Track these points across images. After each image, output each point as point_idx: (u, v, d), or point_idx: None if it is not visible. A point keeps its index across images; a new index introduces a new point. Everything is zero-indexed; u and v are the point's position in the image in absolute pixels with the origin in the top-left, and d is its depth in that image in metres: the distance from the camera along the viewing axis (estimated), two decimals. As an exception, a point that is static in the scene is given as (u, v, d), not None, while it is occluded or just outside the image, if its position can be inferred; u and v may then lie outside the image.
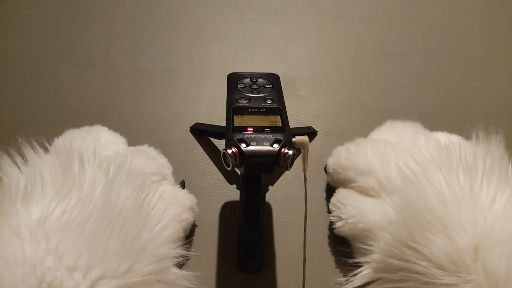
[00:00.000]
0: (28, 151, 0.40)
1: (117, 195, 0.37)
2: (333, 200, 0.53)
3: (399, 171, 0.44)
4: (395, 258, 0.38)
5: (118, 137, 0.58)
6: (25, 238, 0.31)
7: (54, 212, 0.33)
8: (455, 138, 0.54)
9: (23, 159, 0.40)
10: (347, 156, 0.54)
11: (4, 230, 0.32)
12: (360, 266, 0.43)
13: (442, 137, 0.54)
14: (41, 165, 0.39)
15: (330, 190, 0.60)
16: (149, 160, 0.52)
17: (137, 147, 0.56)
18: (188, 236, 0.53)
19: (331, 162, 0.57)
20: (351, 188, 0.52)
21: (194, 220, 0.54)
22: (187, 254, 0.41)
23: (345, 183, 0.53)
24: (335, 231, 0.51)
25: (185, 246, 0.44)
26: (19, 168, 0.39)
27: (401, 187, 0.43)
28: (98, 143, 0.52)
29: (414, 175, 0.42)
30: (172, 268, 0.39)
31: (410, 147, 0.50)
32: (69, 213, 0.34)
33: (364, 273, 0.42)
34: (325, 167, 0.59)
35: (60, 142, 0.51)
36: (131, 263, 0.34)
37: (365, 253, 0.43)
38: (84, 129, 0.56)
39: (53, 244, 0.32)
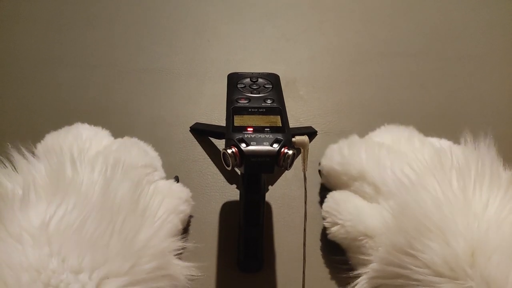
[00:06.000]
0: (19, 157, 0.40)
1: (115, 194, 0.37)
2: (325, 207, 0.52)
3: (394, 177, 0.44)
4: (393, 266, 0.38)
5: (100, 131, 0.57)
6: (27, 243, 0.31)
7: (54, 216, 0.33)
8: (445, 143, 0.54)
9: (14, 166, 0.39)
10: (340, 160, 0.53)
11: (6, 237, 0.32)
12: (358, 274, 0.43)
13: (435, 141, 0.54)
14: (34, 171, 0.38)
15: (325, 190, 0.60)
16: (142, 153, 0.52)
17: (127, 139, 0.56)
18: (188, 236, 0.53)
19: (324, 164, 0.56)
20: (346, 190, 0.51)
21: (191, 218, 0.54)
22: (187, 252, 0.41)
23: (339, 187, 0.53)
24: (329, 236, 0.50)
25: (184, 241, 0.44)
26: (13, 174, 0.39)
27: (397, 193, 0.43)
28: (80, 140, 0.52)
29: (409, 181, 0.42)
30: (174, 261, 0.39)
31: (406, 151, 0.50)
32: (68, 216, 0.34)
33: (363, 283, 0.42)
34: (319, 168, 0.59)
35: (43, 146, 0.51)
36: (134, 260, 0.34)
37: (363, 263, 0.43)
38: (64, 129, 0.56)
39: (55, 247, 0.32)
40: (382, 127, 0.60)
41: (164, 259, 0.38)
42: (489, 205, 0.37)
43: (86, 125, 0.58)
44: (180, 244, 0.41)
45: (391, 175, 0.45)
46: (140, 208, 0.38)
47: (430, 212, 0.37)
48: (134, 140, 0.57)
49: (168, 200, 0.47)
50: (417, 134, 0.56)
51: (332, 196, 0.53)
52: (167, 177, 0.55)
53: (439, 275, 0.34)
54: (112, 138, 0.57)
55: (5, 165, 0.39)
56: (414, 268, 0.36)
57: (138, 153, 0.52)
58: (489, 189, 0.38)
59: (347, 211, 0.48)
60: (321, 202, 0.59)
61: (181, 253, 0.40)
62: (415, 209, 0.38)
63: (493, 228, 0.35)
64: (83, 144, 0.51)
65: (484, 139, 0.43)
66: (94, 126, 0.58)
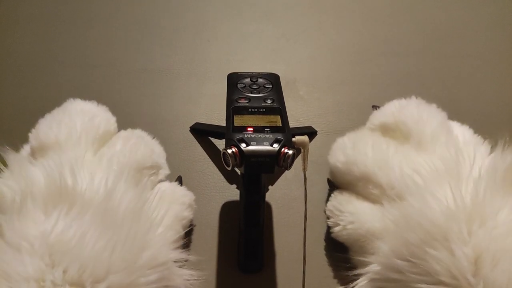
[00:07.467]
0: (16, 161, 0.39)
1: (118, 204, 0.37)
2: (329, 205, 0.52)
3: (402, 181, 0.43)
4: (394, 271, 0.37)
5: (96, 114, 0.52)
6: (26, 253, 0.31)
7: (55, 226, 0.32)
8: (468, 132, 0.51)
9: (12, 170, 0.38)
10: (343, 159, 0.51)
11: (4, 246, 0.31)
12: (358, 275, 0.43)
13: (458, 130, 0.51)
14: (32, 178, 0.37)
15: (331, 187, 0.60)
16: (148, 153, 0.50)
17: (131, 133, 0.53)
18: (188, 236, 0.53)
19: (330, 161, 0.55)
20: (352, 190, 0.51)
21: (192, 221, 0.53)
22: (188, 255, 0.41)
23: (344, 185, 0.52)
24: (332, 235, 0.50)
25: (185, 245, 0.44)
26: (10, 180, 0.37)
27: (403, 198, 0.41)
28: (75, 132, 0.47)
29: (417, 187, 0.41)
30: (176, 270, 0.39)
31: (419, 151, 0.47)
32: (70, 226, 0.33)
33: (362, 284, 0.41)
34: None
35: (34, 137, 0.48)
36: (137, 273, 0.33)
37: (364, 263, 0.42)
38: (50, 118, 0.51)
39: (56, 258, 0.31)
40: (413, 99, 0.55)
41: (167, 271, 0.37)
42: (499, 213, 0.35)
43: (79, 103, 0.53)
44: (183, 256, 0.39)
45: (398, 178, 0.43)
46: (144, 219, 0.38)
47: (436, 221, 0.36)
48: (139, 134, 0.54)
49: (171, 206, 0.46)
50: (447, 125, 0.51)
51: (336, 196, 0.52)
52: (169, 178, 0.55)
53: (441, 283, 0.33)
54: (113, 120, 0.54)
55: (2, 170, 0.38)
56: (415, 276, 0.35)
57: (144, 152, 0.49)
58: (499, 196, 0.37)
59: (349, 212, 0.48)
60: (323, 201, 0.59)
61: (183, 265, 0.40)
62: (421, 217, 0.37)
63: (499, 237, 0.34)
64: (79, 141, 0.46)
65: (501, 145, 0.41)
66: (88, 101, 0.53)
